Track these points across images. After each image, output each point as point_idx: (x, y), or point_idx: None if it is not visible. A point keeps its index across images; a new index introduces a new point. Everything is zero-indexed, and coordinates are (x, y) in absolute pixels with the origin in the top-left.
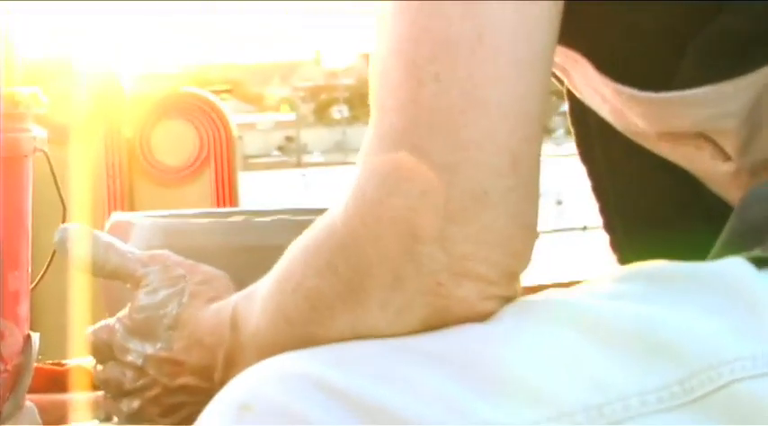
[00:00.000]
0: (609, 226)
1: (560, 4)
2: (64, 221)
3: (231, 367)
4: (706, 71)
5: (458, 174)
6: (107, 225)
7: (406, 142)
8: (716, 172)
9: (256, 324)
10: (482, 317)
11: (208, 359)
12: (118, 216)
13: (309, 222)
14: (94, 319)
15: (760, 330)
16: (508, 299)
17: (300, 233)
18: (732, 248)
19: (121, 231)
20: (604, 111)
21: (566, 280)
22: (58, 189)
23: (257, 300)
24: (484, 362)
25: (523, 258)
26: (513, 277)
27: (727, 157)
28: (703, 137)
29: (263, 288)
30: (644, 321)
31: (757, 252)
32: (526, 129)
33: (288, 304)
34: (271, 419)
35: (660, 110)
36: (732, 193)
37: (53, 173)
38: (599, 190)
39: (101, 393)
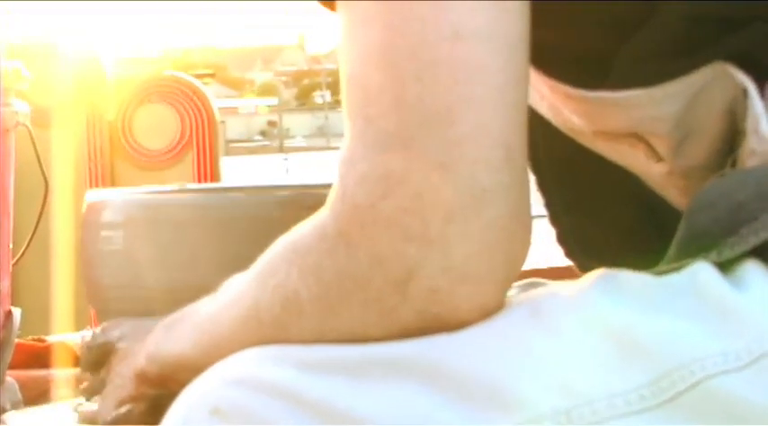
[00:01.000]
0: (554, 220)
1: None
2: (46, 198)
3: (169, 331)
4: (638, 74)
5: (453, 172)
6: (84, 203)
7: (397, 144)
8: (650, 171)
9: (217, 309)
10: (467, 326)
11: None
12: (93, 194)
13: (287, 197)
14: (75, 296)
15: (728, 329)
16: (499, 307)
17: (278, 208)
18: (687, 251)
19: (97, 208)
20: (543, 108)
21: (544, 266)
22: (40, 165)
23: (232, 284)
24: (451, 369)
25: (521, 258)
26: (510, 280)
27: (659, 158)
28: (637, 137)
29: (241, 280)
30: (613, 323)
31: (713, 257)
32: (515, 120)
33: (264, 302)
34: (241, 423)
35: (593, 108)
36: (668, 192)
37: (35, 149)
38: (542, 185)
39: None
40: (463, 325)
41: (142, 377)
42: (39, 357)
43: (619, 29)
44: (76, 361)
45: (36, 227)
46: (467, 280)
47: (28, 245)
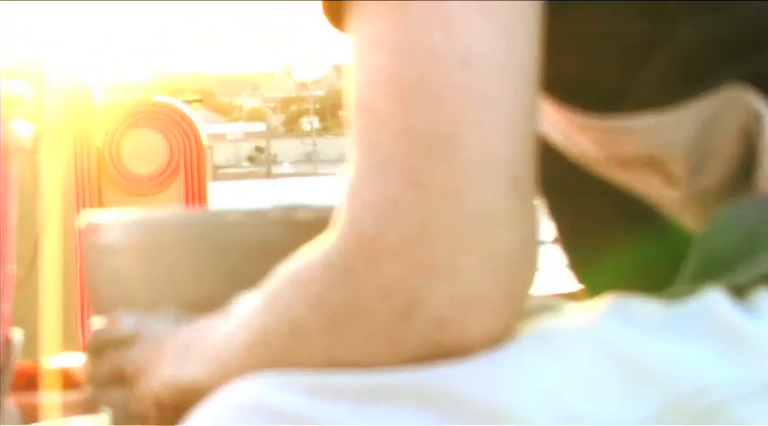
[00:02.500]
0: (564, 248)
1: (540, 22)
2: (47, 221)
3: (182, 358)
4: (651, 99)
5: (461, 201)
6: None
7: (403, 172)
8: (666, 196)
9: (231, 331)
10: (476, 353)
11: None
12: (87, 215)
13: (279, 219)
14: (73, 318)
15: (741, 357)
16: (507, 335)
17: (272, 229)
18: (700, 277)
19: (92, 230)
20: (556, 136)
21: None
22: (41, 187)
23: (241, 306)
24: (461, 396)
25: (529, 285)
26: (519, 308)
27: (675, 184)
28: (652, 163)
29: (248, 303)
30: (623, 350)
31: (726, 282)
32: (523, 148)
33: (272, 328)
34: None
35: (608, 136)
36: (683, 217)
37: (35, 171)
38: (553, 213)
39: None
40: (471, 354)
41: (160, 405)
42: (38, 380)
43: (632, 55)
44: (77, 384)
45: (36, 251)
46: (474, 310)
47: (31, 268)
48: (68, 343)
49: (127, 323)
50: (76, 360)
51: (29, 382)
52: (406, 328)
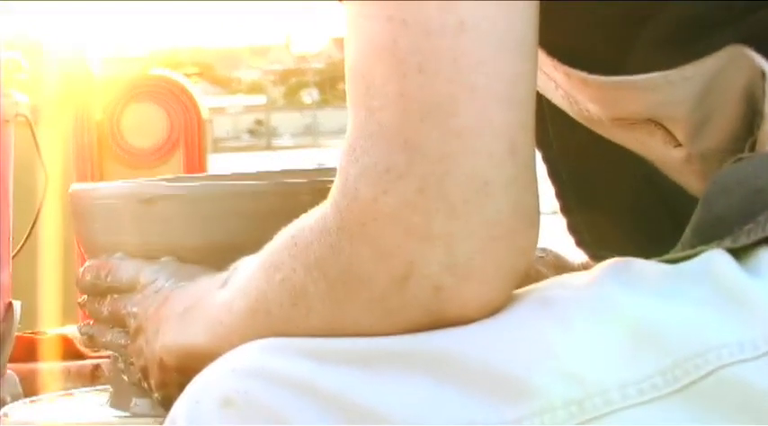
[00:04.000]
0: (566, 209)
1: None
2: (46, 188)
3: (183, 321)
4: (655, 57)
5: (456, 165)
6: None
7: (399, 137)
8: (668, 157)
9: (231, 298)
10: (476, 321)
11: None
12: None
13: (277, 187)
14: (72, 290)
15: (744, 318)
16: (506, 303)
17: (271, 199)
18: (702, 237)
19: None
20: (558, 98)
21: None
22: (40, 156)
23: (241, 269)
24: (464, 360)
25: (528, 254)
26: (517, 276)
27: (678, 143)
28: (654, 122)
29: (247, 268)
30: (625, 312)
31: (728, 243)
32: (521, 115)
33: (272, 295)
34: (253, 417)
35: (610, 94)
36: (685, 178)
37: (35, 140)
38: (554, 175)
39: (81, 362)
40: (470, 322)
41: (163, 368)
42: (38, 350)
43: (637, 14)
44: (76, 354)
45: (36, 220)
46: (471, 277)
47: (27, 238)
48: (67, 315)
49: (127, 269)
50: (74, 331)
51: (29, 352)
52: (402, 295)
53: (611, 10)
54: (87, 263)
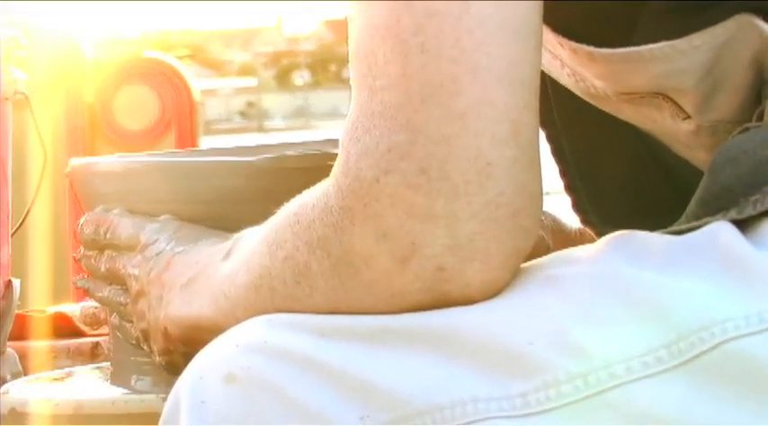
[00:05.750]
0: (570, 188)
1: None
2: (44, 167)
3: (187, 291)
4: (662, 28)
5: (457, 145)
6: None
7: (401, 117)
8: (677, 131)
9: (234, 271)
10: (479, 301)
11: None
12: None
13: (266, 165)
14: (64, 270)
15: (750, 291)
16: (509, 283)
17: (259, 176)
18: (707, 209)
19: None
20: (563, 77)
21: None
22: (38, 133)
23: (244, 241)
24: (467, 336)
25: (531, 234)
26: (520, 257)
27: (686, 116)
28: (662, 95)
29: (250, 241)
30: (629, 285)
31: (733, 214)
32: (523, 96)
33: (275, 272)
34: (257, 393)
35: (617, 67)
36: (693, 152)
37: (34, 118)
38: (558, 153)
39: (80, 340)
40: (474, 302)
41: (167, 337)
42: (38, 327)
43: None
44: (75, 332)
45: (34, 199)
46: (474, 258)
47: (26, 216)
48: (60, 294)
49: (126, 227)
50: (74, 309)
51: (28, 330)
52: (404, 275)
53: None
54: (86, 216)
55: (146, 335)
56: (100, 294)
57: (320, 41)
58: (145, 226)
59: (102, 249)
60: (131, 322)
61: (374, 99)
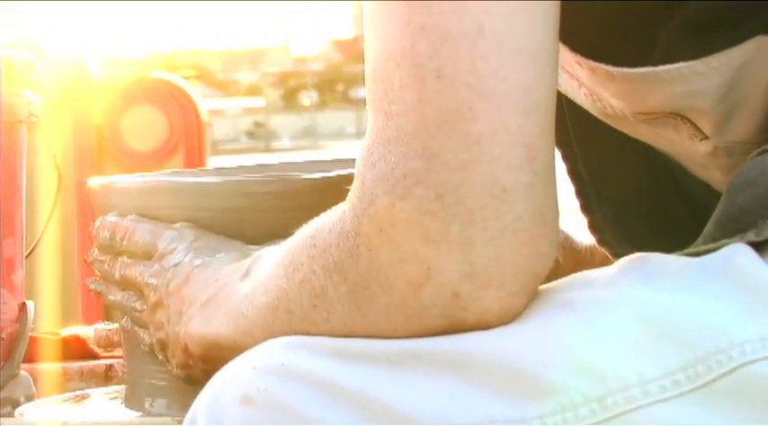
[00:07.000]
0: (586, 208)
1: None
2: (59, 189)
3: (207, 310)
4: (681, 49)
5: (474, 172)
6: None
7: (417, 144)
8: (694, 152)
9: (253, 291)
10: (496, 326)
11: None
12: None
13: (275, 182)
14: (73, 293)
15: (766, 314)
16: (527, 306)
17: (268, 197)
18: (724, 230)
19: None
20: (580, 97)
21: None
22: (53, 155)
23: (263, 262)
24: (484, 360)
25: (548, 259)
26: (538, 281)
27: (704, 136)
28: (680, 116)
29: (268, 261)
30: (646, 307)
31: (751, 236)
32: (539, 121)
33: (292, 295)
34: (273, 415)
35: (635, 87)
36: (710, 173)
37: (47, 140)
38: (574, 173)
39: (94, 362)
40: (490, 328)
41: (188, 353)
42: (52, 350)
43: (663, 5)
44: (89, 354)
45: (48, 222)
46: (490, 285)
47: (40, 239)
48: (69, 317)
49: (143, 233)
50: (88, 331)
51: (42, 353)
52: (420, 301)
53: (637, 1)
54: (101, 220)
55: (163, 345)
56: (112, 297)
57: (327, 61)
58: (162, 233)
59: (116, 254)
60: (145, 328)
61: (390, 124)
